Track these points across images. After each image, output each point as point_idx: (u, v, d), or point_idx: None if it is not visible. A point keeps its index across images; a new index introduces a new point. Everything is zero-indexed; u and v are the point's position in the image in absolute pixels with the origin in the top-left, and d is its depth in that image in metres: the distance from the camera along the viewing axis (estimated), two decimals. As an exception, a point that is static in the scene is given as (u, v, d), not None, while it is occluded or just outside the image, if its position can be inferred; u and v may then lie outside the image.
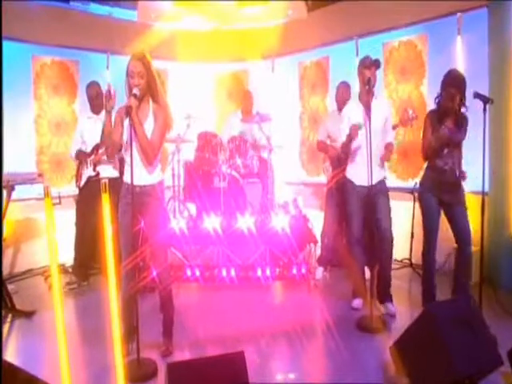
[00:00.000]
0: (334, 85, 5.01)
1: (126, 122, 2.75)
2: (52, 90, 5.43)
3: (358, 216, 3.61)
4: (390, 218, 3.60)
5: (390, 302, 3.69)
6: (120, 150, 2.90)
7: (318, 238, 4.62)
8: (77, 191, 4.68)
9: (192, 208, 4.97)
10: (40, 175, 4.19)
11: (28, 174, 4.11)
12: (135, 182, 2.78)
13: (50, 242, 2.08)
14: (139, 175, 2.83)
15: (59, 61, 5.48)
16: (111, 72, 5.80)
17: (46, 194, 2.00)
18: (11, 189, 3.87)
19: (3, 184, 3.78)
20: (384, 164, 3.69)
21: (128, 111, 2.67)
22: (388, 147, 3.58)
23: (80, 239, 4.57)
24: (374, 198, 3.51)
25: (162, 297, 3.04)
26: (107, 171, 4.46)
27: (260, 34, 6.10)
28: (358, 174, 3.55)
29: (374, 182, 3.44)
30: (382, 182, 3.65)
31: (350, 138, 3.45)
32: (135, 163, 2.80)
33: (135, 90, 2.74)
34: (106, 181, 2.34)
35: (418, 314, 2.53)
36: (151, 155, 2.80)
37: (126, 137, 2.83)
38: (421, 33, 4.93)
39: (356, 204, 3.60)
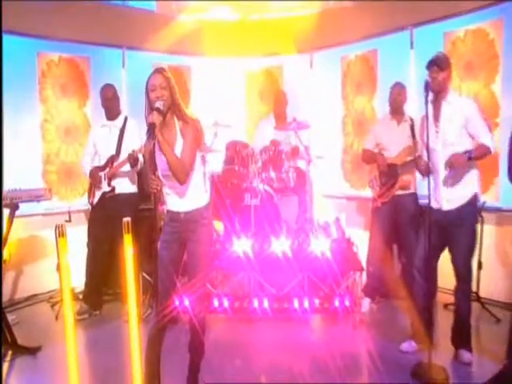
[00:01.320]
0: (384, 83, 4.94)
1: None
2: (60, 91, 5.53)
3: (422, 242, 3.52)
4: (472, 253, 3.51)
5: (466, 349, 3.59)
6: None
7: (364, 263, 4.57)
8: (88, 205, 4.76)
9: (219, 227, 4.97)
10: (48, 190, 4.26)
11: (34, 190, 4.16)
12: (179, 209, 2.94)
13: (64, 288, 2.09)
14: (182, 200, 2.94)
15: (68, 57, 5.58)
16: (127, 70, 5.89)
17: (61, 233, 2.02)
18: (15, 207, 3.94)
19: (5, 202, 3.85)
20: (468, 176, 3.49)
21: (151, 128, 2.69)
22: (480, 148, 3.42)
23: (92, 262, 4.64)
24: (452, 225, 3.44)
25: (194, 331, 3.01)
26: (123, 185, 4.57)
27: (296, 24, 6.09)
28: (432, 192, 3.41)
29: (458, 205, 3.41)
30: (469, 204, 3.49)
31: None
32: (173, 188, 2.92)
33: (158, 104, 2.77)
34: (129, 220, 2.36)
35: (498, 368, 2.41)
36: (182, 175, 2.84)
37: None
38: (494, 17, 4.67)
39: (424, 228, 3.52)
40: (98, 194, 4.61)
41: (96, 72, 5.66)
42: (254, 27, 6.26)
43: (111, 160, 4.55)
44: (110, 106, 4.63)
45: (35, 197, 4.15)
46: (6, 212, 3.91)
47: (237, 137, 5.42)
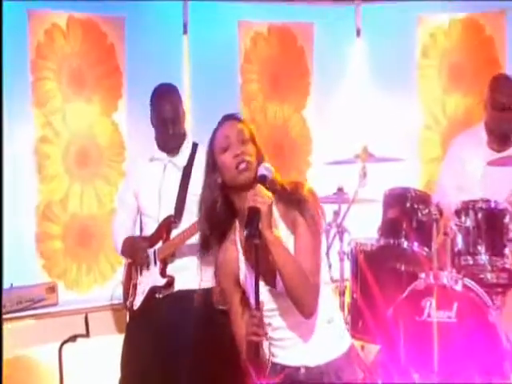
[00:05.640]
0: None
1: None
2: (70, 83, 5.74)
3: None
4: None
5: None
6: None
7: None
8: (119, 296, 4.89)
9: (372, 348, 5.15)
10: (51, 289, 4.39)
11: (28, 288, 4.33)
12: (295, 361, 3.06)
13: None
14: (300, 344, 3.06)
15: (85, 19, 5.80)
16: (192, 37, 6.05)
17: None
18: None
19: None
20: None
21: (254, 219, 2.74)
22: None
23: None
24: None
25: None
26: (187, 275, 4.49)
27: None
28: None
29: None
30: None
31: None
32: (282, 321, 3.02)
33: (264, 170, 2.90)
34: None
35: None
36: (308, 299, 2.92)
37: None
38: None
39: None
40: (141, 290, 4.70)
41: (135, 44, 5.87)
42: None
43: (166, 226, 4.63)
44: (169, 129, 4.64)
45: (29, 301, 4.34)
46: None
47: (403, 177, 5.46)
